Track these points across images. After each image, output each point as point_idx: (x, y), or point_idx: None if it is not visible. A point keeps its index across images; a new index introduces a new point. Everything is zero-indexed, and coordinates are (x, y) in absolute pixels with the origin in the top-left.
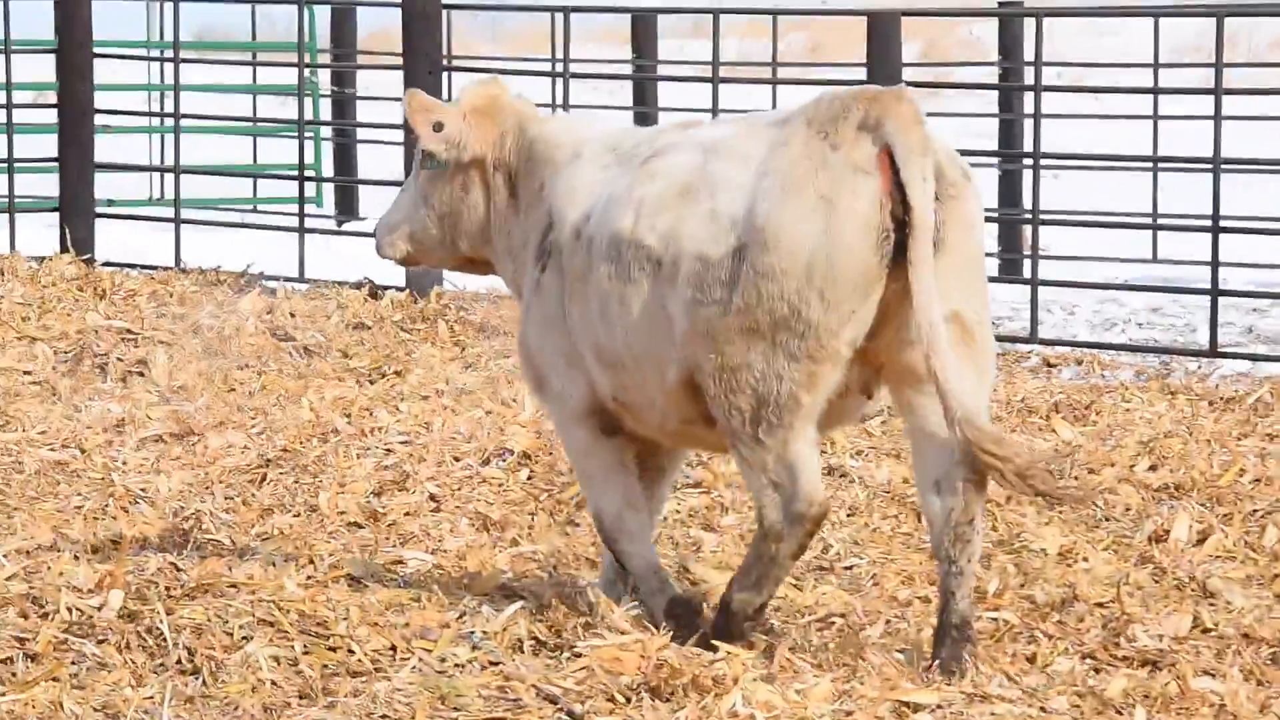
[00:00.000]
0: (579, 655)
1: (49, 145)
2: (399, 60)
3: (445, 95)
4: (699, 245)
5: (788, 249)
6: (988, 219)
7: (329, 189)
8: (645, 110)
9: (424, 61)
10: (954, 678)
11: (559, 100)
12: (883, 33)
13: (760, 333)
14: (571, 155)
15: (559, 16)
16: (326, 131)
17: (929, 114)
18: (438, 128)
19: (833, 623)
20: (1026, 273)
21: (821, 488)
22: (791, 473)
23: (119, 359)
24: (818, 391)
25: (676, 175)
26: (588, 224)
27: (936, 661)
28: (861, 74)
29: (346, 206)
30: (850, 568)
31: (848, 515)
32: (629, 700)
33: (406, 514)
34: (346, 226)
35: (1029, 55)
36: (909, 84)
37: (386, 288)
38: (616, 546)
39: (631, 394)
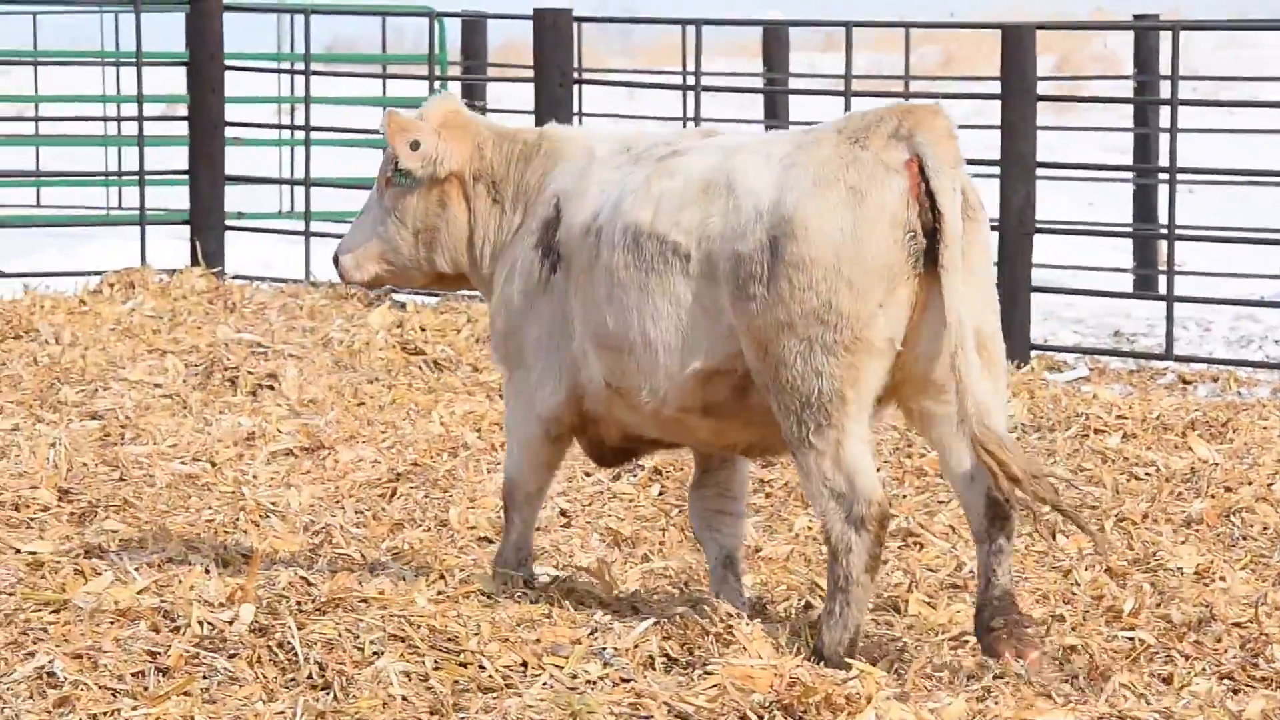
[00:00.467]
0: (711, 673)
1: (180, 158)
2: (530, 73)
3: (576, 108)
4: (730, 242)
5: (817, 237)
6: (1123, 234)
7: None
8: (776, 124)
9: (555, 74)
10: (994, 640)
11: (690, 113)
12: (1017, 45)
13: (794, 327)
14: (582, 151)
15: (690, 29)
16: None
17: (1063, 128)
18: (414, 146)
19: (966, 641)
20: (1162, 289)
21: (880, 488)
22: (849, 478)
23: (249, 372)
24: (860, 385)
25: (695, 172)
26: (597, 220)
27: (979, 634)
28: (995, 87)
29: None
30: None
31: None
32: (761, 718)
33: (536, 529)
34: None
35: (1165, 69)
36: (1043, 97)
37: None
38: (510, 512)
39: (631, 379)
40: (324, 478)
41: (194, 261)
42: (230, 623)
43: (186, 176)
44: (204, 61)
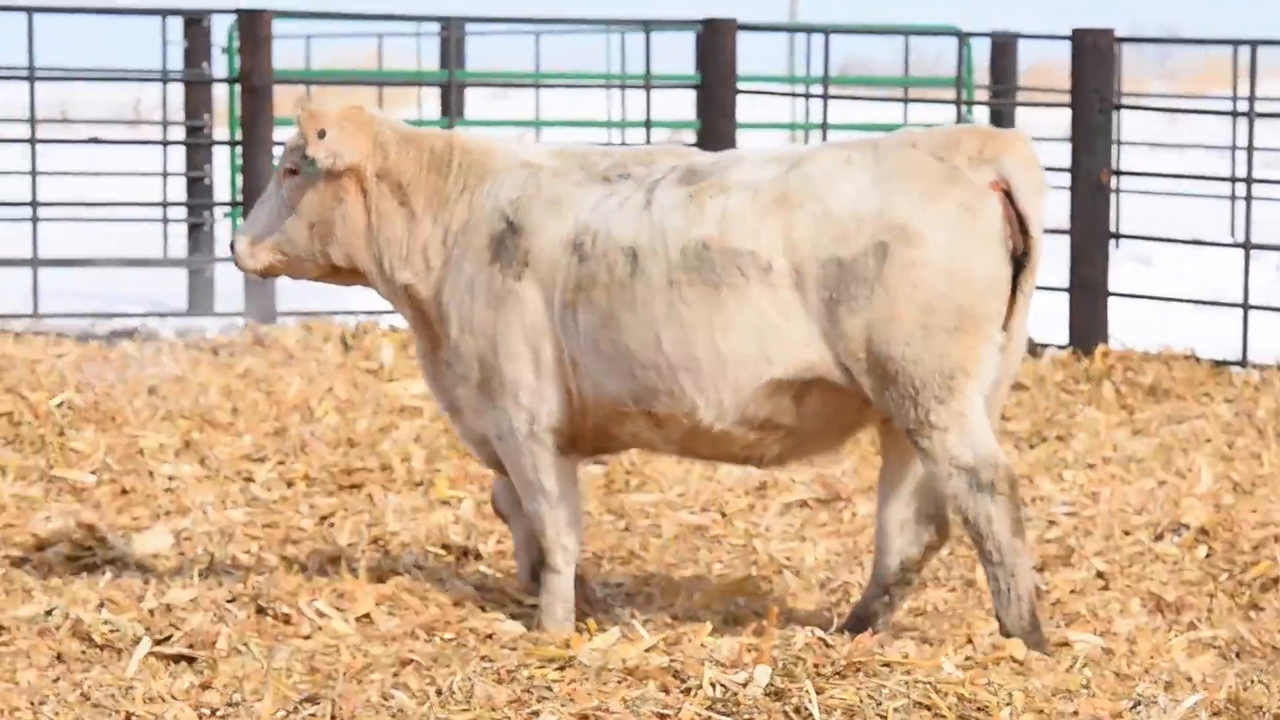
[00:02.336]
0: None
1: None
2: (1065, 97)
3: (1115, 137)
4: (825, 248)
5: (931, 244)
6: None
7: None
8: None
9: (1093, 99)
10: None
11: (1240, 143)
12: None
13: (901, 320)
14: (513, 163)
15: (1244, 50)
16: None
17: None
18: (321, 135)
19: None
20: None
21: (998, 449)
22: (973, 448)
23: None
24: (976, 364)
25: (761, 186)
26: (599, 238)
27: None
28: None
29: None
30: None
31: None
32: None
33: (1072, 591)
34: None
35: None
36: None
37: (1046, 345)
38: (551, 559)
39: (675, 399)
40: (841, 531)
41: None
42: (744, 685)
43: None
44: (716, 84)
